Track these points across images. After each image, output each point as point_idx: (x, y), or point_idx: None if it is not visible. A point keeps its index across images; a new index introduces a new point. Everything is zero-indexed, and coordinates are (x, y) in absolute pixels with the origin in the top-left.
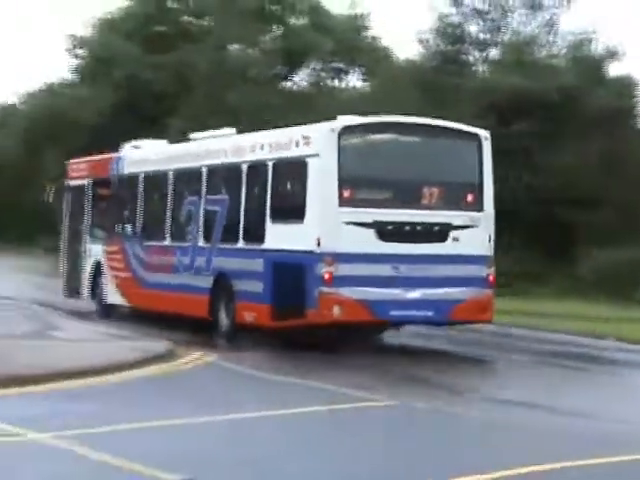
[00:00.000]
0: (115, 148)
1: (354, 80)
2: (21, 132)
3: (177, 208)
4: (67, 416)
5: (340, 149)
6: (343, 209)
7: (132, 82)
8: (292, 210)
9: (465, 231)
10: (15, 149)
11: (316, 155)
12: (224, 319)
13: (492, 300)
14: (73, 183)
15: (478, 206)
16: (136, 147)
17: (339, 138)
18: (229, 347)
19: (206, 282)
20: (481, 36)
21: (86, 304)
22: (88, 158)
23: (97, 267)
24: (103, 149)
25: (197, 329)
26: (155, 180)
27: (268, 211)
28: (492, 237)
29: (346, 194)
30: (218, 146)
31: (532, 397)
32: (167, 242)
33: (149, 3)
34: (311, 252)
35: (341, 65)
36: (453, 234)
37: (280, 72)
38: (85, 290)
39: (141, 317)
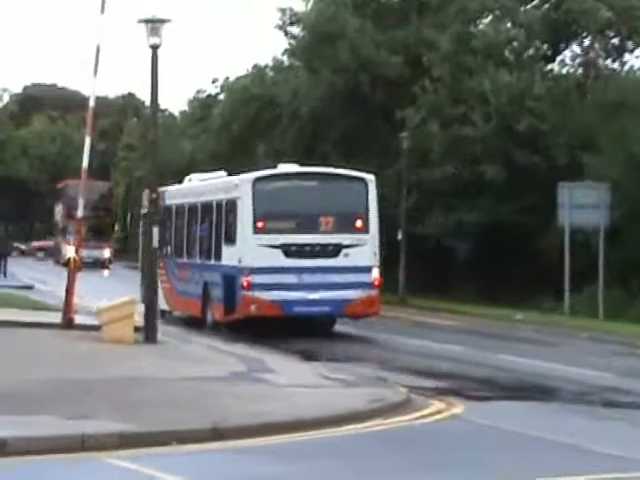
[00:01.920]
0: (337, 143)
1: (635, 59)
2: (223, 125)
3: (189, 233)
4: None
5: (254, 193)
6: (257, 236)
7: (360, 64)
8: (231, 236)
9: (354, 249)
10: (216, 145)
11: (240, 197)
12: (209, 317)
13: (378, 298)
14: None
15: (365, 230)
16: (190, 180)
17: (253, 185)
18: (475, 397)
19: (199, 289)
20: None
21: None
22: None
23: None
24: (322, 145)
25: (423, 374)
26: (179, 211)
27: (223, 237)
28: (377, 252)
29: (259, 225)
30: (205, 187)
31: None
32: (185, 260)
33: None
34: (237, 267)
35: (619, 40)
36: (344, 251)
37: (543, 51)
38: None
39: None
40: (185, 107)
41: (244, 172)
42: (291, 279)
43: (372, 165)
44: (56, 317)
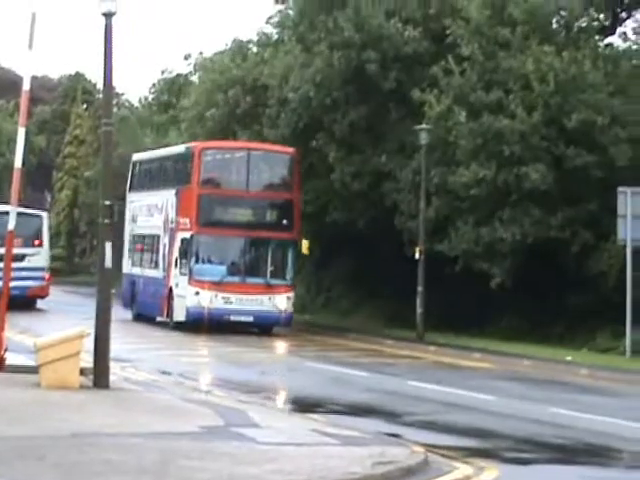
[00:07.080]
0: (338, 136)
1: None
2: (198, 115)
3: None
4: None
5: None
6: None
7: (366, 38)
8: None
9: (33, 257)
10: (188, 139)
11: None
12: None
13: (48, 287)
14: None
15: (41, 245)
16: None
17: None
18: (513, 459)
19: None
20: None
21: None
22: None
23: None
24: (320, 138)
25: (446, 429)
26: None
27: None
28: (48, 259)
29: None
30: None
31: None
32: None
33: None
34: None
35: None
36: (27, 258)
37: (599, 23)
38: None
39: None
40: (147, 94)
41: None
42: None
43: (382, 164)
44: None
